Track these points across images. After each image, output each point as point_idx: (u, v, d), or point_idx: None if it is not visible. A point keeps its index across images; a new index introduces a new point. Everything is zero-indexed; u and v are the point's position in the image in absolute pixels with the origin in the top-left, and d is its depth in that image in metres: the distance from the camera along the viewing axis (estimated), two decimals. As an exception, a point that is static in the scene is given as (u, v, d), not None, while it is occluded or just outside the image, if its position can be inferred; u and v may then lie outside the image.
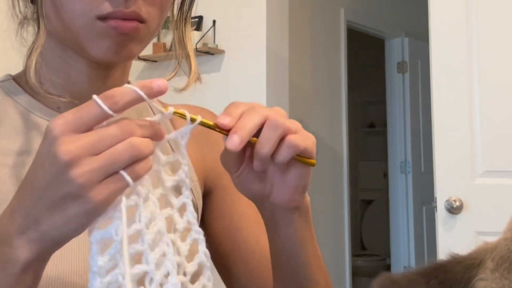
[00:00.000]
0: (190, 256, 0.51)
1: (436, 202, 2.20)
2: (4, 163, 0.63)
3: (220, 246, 0.78)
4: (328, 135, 3.84)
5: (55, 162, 0.44)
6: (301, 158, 0.55)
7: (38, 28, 0.62)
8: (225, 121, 0.51)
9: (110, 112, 0.45)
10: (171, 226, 0.51)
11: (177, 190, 0.52)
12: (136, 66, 3.17)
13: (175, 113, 0.50)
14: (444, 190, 2.19)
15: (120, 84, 0.72)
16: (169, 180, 0.51)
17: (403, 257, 4.36)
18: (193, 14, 0.74)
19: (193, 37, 0.73)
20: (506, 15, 2.18)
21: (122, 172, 0.45)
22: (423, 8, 2.47)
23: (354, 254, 4.57)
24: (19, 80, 0.69)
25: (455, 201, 2.16)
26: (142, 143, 0.46)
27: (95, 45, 0.61)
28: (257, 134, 0.53)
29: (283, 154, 0.53)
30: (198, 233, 0.51)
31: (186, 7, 0.73)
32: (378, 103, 5.58)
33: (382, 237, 5.14)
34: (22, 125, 0.66)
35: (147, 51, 3.08)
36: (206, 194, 0.78)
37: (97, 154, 0.45)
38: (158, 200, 0.50)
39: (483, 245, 0.51)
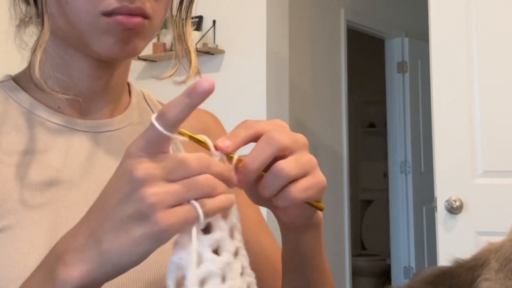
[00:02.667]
0: None
1: (436, 202, 2.20)
2: (6, 163, 0.63)
3: None
4: (328, 135, 3.84)
5: (129, 180, 0.43)
6: (307, 202, 0.53)
7: (42, 25, 0.62)
8: (225, 143, 0.49)
9: (165, 132, 0.44)
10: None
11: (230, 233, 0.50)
12: (136, 66, 3.17)
13: (191, 137, 0.48)
14: (444, 190, 2.19)
15: (121, 83, 0.72)
16: (223, 224, 0.49)
17: (403, 257, 4.36)
18: (193, 14, 0.74)
19: (193, 35, 0.74)
20: (506, 15, 2.18)
21: (194, 202, 0.44)
22: (423, 8, 2.47)
23: (354, 254, 4.57)
24: (19, 81, 0.69)
25: (455, 201, 2.16)
26: (217, 181, 0.45)
27: (100, 42, 0.62)
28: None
29: (280, 202, 0.52)
30: (250, 276, 0.50)
31: (186, 4, 0.73)
32: (378, 103, 5.58)
33: (382, 237, 5.15)
34: (23, 125, 0.66)
35: (147, 51, 3.08)
36: None
37: (172, 181, 0.44)
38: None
39: (487, 246, 0.51)
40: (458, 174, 2.18)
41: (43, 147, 0.65)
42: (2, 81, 0.69)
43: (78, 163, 0.66)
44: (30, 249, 0.58)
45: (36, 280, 0.48)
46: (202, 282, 0.44)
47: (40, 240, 0.59)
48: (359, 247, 5.64)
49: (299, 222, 0.57)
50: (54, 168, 0.64)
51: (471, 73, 2.19)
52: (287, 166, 0.51)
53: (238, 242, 0.50)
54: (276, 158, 0.51)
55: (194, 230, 0.45)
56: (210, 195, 0.45)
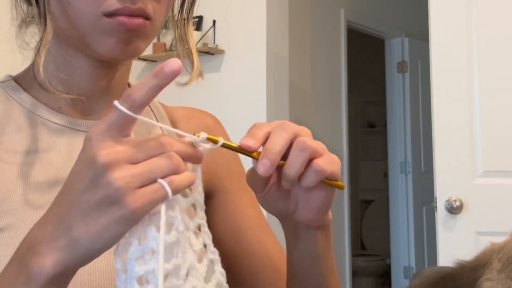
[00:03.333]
0: (208, 276, 0.50)
1: (436, 202, 2.20)
2: (8, 162, 0.63)
3: (223, 248, 0.77)
4: (328, 135, 3.84)
5: (93, 165, 0.43)
6: (328, 181, 0.54)
7: (45, 25, 0.62)
8: (249, 142, 0.51)
9: (131, 114, 0.44)
10: (190, 248, 0.49)
11: (191, 210, 0.51)
12: (136, 66, 3.17)
13: (208, 138, 0.49)
14: (444, 190, 2.19)
15: (122, 83, 0.72)
16: (184, 202, 0.50)
17: (403, 257, 4.36)
18: (193, 14, 0.75)
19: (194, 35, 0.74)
20: (506, 15, 2.18)
21: (161, 181, 0.44)
22: (423, 8, 2.47)
23: (354, 254, 4.57)
24: (20, 81, 0.69)
25: (455, 201, 2.16)
26: (179, 159, 0.45)
27: (101, 42, 0.62)
28: (285, 153, 0.52)
29: (310, 179, 0.53)
30: (213, 253, 0.51)
31: (187, 5, 0.73)
32: (378, 103, 5.57)
33: (382, 237, 5.14)
34: (25, 125, 0.66)
35: (148, 51, 3.08)
36: (208, 197, 0.78)
37: (135, 163, 0.44)
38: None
39: (489, 246, 0.51)
40: (458, 174, 2.18)
41: (45, 147, 0.65)
42: (3, 81, 0.69)
43: None
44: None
45: (9, 273, 0.47)
46: (139, 258, 0.45)
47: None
48: (359, 247, 5.64)
49: (317, 218, 0.58)
50: (57, 168, 0.64)
51: (471, 73, 2.19)
52: (308, 140, 0.52)
53: (199, 219, 0.51)
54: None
55: (163, 208, 0.45)
56: (175, 172, 0.45)
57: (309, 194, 0.56)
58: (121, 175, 0.43)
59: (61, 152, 0.66)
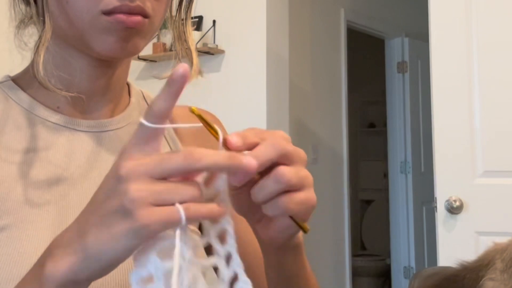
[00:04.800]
0: None
1: (436, 202, 2.20)
2: (7, 161, 0.63)
3: None
4: (328, 135, 3.84)
5: (115, 175, 0.44)
6: (294, 220, 0.51)
7: (44, 24, 0.62)
8: (233, 140, 0.48)
9: (151, 125, 0.44)
10: (218, 275, 0.48)
11: (221, 237, 0.49)
12: (135, 66, 3.17)
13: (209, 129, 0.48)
14: (444, 190, 2.19)
15: (121, 82, 0.72)
16: (212, 228, 0.48)
17: (403, 257, 4.36)
18: (193, 14, 0.75)
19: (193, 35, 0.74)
20: (506, 15, 2.18)
21: (178, 205, 0.43)
22: (423, 8, 2.47)
23: (354, 254, 4.57)
24: (19, 81, 0.69)
25: (455, 201, 2.16)
26: (199, 189, 0.44)
27: (100, 40, 0.62)
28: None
29: (270, 209, 0.50)
30: (245, 283, 0.48)
31: (186, 4, 0.73)
32: (378, 103, 5.58)
33: (382, 237, 5.15)
34: (24, 124, 0.66)
35: (147, 51, 3.08)
36: None
37: (158, 178, 0.43)
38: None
39: (492, 246, 0.51)
40: (458, 174, 2.18)
41: (44, 145, 0.65)
42: (2, 82, 0.69)
43: (79, 163, 0.66)
44: (31, 248, 0.58)
45: (29, 276, 0.48)
46: (140, 282, 0.44)
47: (40, 240, 0.59)
48: (359, 247, 5.64)
49: (278, 241, 0.55)
50: (56, 166, 0.65)
51: (471, 73, 2.19)
52: (288, 173, 0.49)
53: (230, 247, 0.48)
54: (272, 166, 0.49)
55: (178, 233, 0.44)
56: (194, 201, 0.44)
57: (273, 219, 0.53)
58: (138, 187, 0.42)
59: (60, 150, 0.66)
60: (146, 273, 0.44)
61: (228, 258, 0.48)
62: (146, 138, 0.45)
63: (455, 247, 2.14)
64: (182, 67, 0.44)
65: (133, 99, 0.75)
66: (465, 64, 2.20)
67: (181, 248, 0.44)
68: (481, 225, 2.14)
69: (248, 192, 0.51)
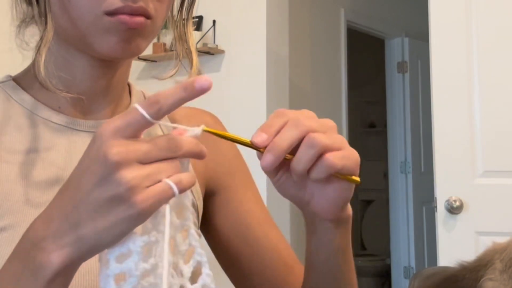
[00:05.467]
0: (194, 277, 0.51)
1: (436, 202, 2.20)
2: (9, 161, 0.63)
3: (229, 246, 0.78)
4: (328, 135, 3.83)
5: (104, 163, 0.43)
6: (341, 175, 0.54)
7: (45, 24, 0.62)
8: (259, 139, 0.51)
9: (152, 120, 0.45)
10: (174, 248, 0.50)
11: (179, 212, 0.51)
12: (136, 66, 3.17)
13: (206, 130, 0.49)
14: (444, 190, 2.19)
15: (122, 83, 0.72)
16: (173, 202, 0.50)
17: (403, 257, 4.36)
18: (193, 14, 0.75)
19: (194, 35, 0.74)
20: (506, 15, 2.18)
21: (168, 181, 0.44)
22: (423, 8, 2.47)
23: (354, 254, 4.52)
24: (20, 81, 0.69)
25: (455, 201, 2.16)
26: (177, 161, 0.46)
27: (102, 41, 0.62)
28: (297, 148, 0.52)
29: (318, 172, 0.52)
30: (200, 256, 0.51)
31: (187, 5, 0.73)
32: (378, 103, 5.57)
33: (382, 237, 5.14)
34: (26, 124, 0.66)
35: (147, 51, 3.07)
36: (210, 196, 0.78)
37: (145, 163, 0.44)
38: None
39: (492, 246, 0.51)
40: (458, 174, 2.18)
41: (46, 146, 0.65)
42: (3, 82, 0.69)
43: None
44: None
45: (12, 268, 0.47)
46: (120, 258, 0.46)
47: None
48: (359, 247, 5.64)
49: (333, 211, 0.58)
50: (57, 167, 0.65)
51: (471, 73, 2.19)
52: (318, 136, 0.52)
53: (187, 220, 0.50)
54: None
55: (168, 208, 0.46)
56: (178, 172, 0.46)
57: (325, 187, 0.56)
58: (133, 175, 0.43)
59: (62, 151, 0.66)
60: (126, 249, 0.46)
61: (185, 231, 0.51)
62: (137, 127, 0.45)
63: (455, 247, 2.14)
64: (208, 80, 0.45)
65: (134, 99, 0.75)
66: (465, 64, 2.20)
67: (154, 222, 0.46)
68: (481, 225, 2.14)
69: (289, 176, 0.54)
